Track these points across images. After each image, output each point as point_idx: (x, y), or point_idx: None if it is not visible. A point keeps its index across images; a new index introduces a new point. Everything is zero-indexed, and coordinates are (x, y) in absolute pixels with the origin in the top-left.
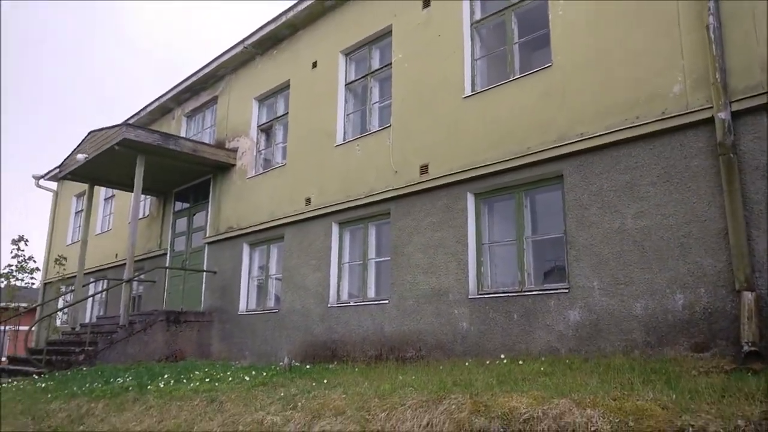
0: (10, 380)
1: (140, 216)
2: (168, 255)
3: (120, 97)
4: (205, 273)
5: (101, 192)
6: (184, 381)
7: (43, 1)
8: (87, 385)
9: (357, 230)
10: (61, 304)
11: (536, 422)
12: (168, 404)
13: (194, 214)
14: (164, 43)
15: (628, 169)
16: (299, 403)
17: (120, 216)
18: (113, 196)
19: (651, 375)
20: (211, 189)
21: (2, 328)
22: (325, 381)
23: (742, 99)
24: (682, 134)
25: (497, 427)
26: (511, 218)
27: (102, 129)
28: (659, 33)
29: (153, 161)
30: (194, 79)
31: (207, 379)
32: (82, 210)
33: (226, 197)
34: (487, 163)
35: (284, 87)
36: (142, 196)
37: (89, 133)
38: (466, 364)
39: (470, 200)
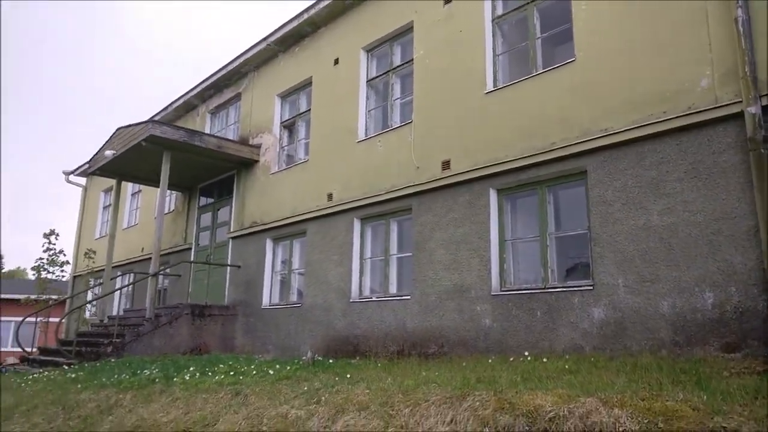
0: (41, 370)
1: (166, 211)
2: (193, 249)
3: (120, 97)
4: (229, 267)
5: (128, 187)
6: (209, 374)
7: (43, 1)
8: (115, 376)
9: (379, 226)
10: (90, 296)
11: (562, 421)
12: (194, 396)
13: (218, 209)
14: (164, 43)
15: (653, 164)
16: (323, 398)
17: (146, 211)
18: (140, 191)
19: (680, 375)
20: (235, 184)
21: (34, 319)
22: (348, 376)
23: None
24: (711, 129)
25: (522, 425)
26: (534, 214)
27: (129, 126)
28: (686, 26)
29: (178, 157)
30: (218, 76)
31: (231, 373)
32: (109, 205)
33: (250, 193)
34: (510, 159)
35: (306, 84)
36: (168, 191)
37: (117, 130)
38: (489, 361)
39: (492, 196)
